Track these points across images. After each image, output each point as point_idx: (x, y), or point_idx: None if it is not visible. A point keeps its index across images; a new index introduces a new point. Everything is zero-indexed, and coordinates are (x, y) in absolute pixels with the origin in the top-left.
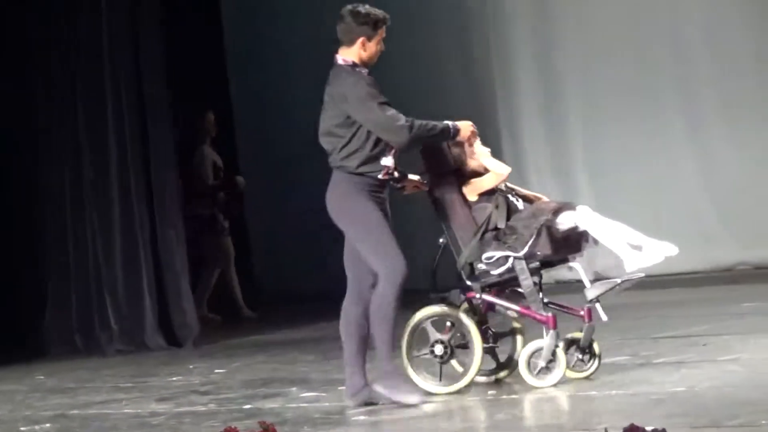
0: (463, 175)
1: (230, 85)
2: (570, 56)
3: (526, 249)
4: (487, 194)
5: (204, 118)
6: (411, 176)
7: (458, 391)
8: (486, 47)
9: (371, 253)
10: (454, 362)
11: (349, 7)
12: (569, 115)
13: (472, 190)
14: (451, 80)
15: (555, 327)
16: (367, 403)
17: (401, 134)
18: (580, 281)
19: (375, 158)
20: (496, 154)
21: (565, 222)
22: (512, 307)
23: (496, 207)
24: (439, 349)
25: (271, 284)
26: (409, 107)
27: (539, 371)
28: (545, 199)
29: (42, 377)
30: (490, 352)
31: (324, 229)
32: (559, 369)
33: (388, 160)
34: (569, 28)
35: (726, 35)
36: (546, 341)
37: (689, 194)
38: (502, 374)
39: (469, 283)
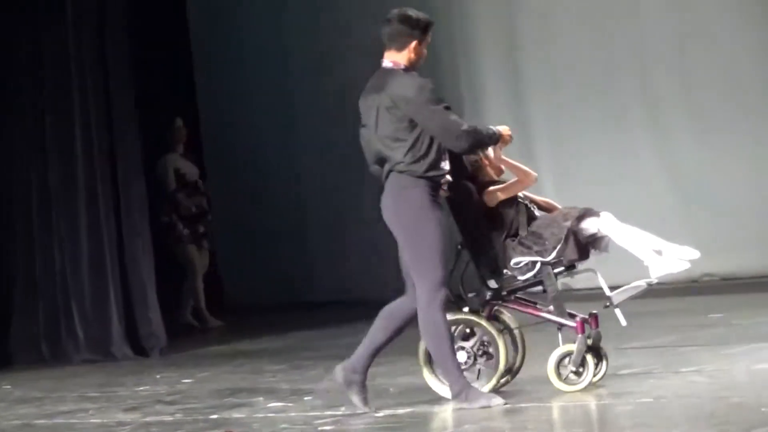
0: (479, 182)
1: (197, 94)
2: (535, 59)
3: (553, 254)
4: (508, 201)
5: (171, 126)
6: None
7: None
8: (452, 49)
9: (415, 266)
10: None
11: (398, 11)
12: (535, 119)
13: (493, 197)
14: None
15: (583, 332)
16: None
17: (464, 139)
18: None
19: (438, 162)
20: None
21: (589, 228)
22: (540, 314)
23: (518, 213)
24: (462, 356)
25: (238, 294)
26: None
27: (568, 376)
28: (557, 205)
29: (8, 387)
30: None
31: (290, 239)
32: (588, 373)
33: (447, 165)
34: (535, 30)
35: (692, 40)
36: (576, 346)
37: (654, 203)
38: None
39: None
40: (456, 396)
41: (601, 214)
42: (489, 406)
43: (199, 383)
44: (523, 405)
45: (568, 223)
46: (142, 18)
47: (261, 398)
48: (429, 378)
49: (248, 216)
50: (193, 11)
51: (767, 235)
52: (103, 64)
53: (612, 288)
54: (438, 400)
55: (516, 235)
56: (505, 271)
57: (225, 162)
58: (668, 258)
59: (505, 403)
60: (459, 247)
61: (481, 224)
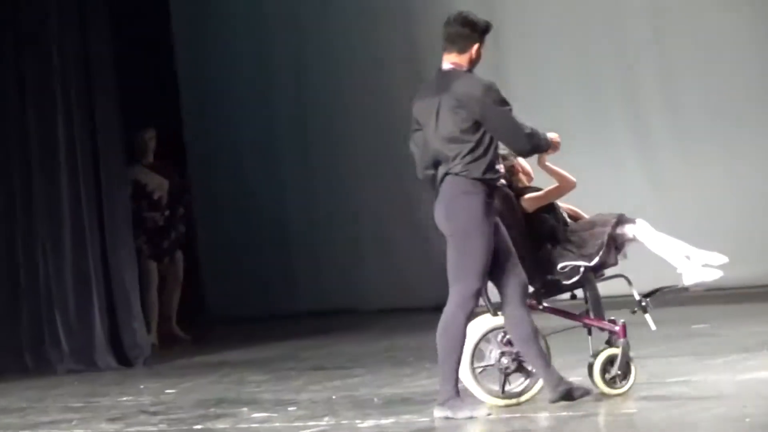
0: (513, 188)
1: (181, 104)
2: (517, 74)
3: (597, 259)
4: (545, 207)
5: (137, 136)
6: None
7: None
8: (435, 48)
9: (455, 270)
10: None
11: (459, 13)
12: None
13: (533, 202)
14: (399, 102)
15: (626, 336)
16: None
17: (528, 142)
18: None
19: (494, 164)
20: None
21: (626, 233)
22: (580, 320)
23: (556, 219)
24: (505, 361)
25: (222, 304)
26: (355, 120)
27: (613, 379)
28: (581, 213)
29: None
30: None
31: (273, 250)
32: (633, 376)
33: (501, 167)
34: (518, 48)
35: (675, 52)
36: (620, 350)
37: (636, 214)
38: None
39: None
40: (443, 403)
41: (636, 220)
42: (473, 417)
43: (183, 393)
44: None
45: (608, 229)
46: (125, 27)
47: (245, 409)
48: (473, 386)
49: (231, 226)
50: (177, 21)
51: (750, 247)
52: (87, 74)
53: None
54: (422, 410)
55: (555, 240)
56: (548, 276)
57: (208, 173)
58: (701, 266)
59: (489, 414)
60: None
61: (523, 230)
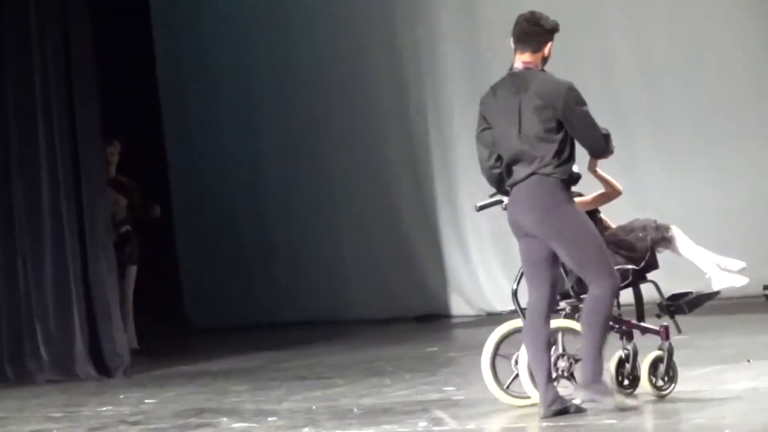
0: None
1: (162, 115)
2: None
3: (644, 263)
4: (589, 212)
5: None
6: None
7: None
8: (417, 58)
9: (589, 262)
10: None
11: (530, 14)
12: None
13: (582, 207)
14: (383, 111)
15: (668, 338)
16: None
17: (604, 145)
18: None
19: (573, 165)
20: (431, 187)
21: (666, 238)
22: (631, 323)
23: (599, 224)
24: (563, 364)
25: (203, 314)
26: (339, 130)
27: (660, 381)
28: (609, 222)
29: None
30: None
31: (255, 260)
32: (677, 378)
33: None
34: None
35: (657, 67)
36: (665, 353)
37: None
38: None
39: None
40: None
41: (671, 226)
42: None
43: (163, 403)
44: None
45: (651, 233)
46: (107, 37)
47: (225, 419)
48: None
49: (213, 236)
50: (158, 32)
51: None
52: (68, 84)
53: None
54: (403, 420)
55: None
56: None
57: (189, 182)
58: (728, 272)
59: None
60: None
61: None
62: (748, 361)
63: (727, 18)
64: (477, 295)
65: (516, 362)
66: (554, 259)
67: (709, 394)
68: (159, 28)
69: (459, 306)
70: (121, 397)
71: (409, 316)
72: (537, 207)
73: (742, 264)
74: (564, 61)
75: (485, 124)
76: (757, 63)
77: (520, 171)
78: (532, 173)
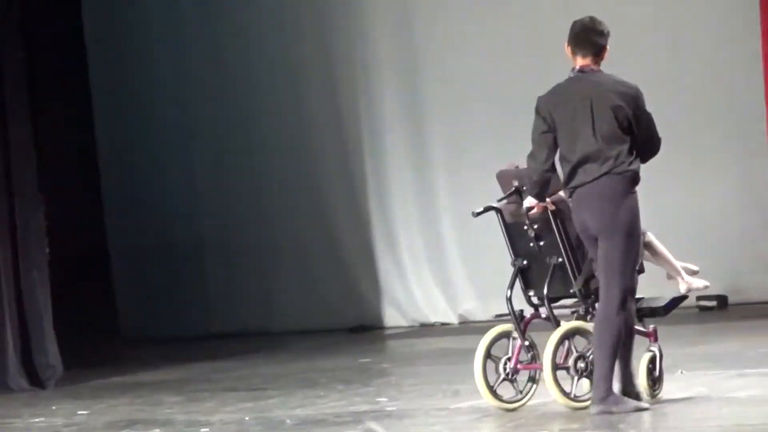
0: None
1: (95, 129)
2: (436, 106)
3: (638, 266)
4: None
5: None
6: None
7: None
8: (352, 68)
9: (620, 269)
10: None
11: (592, 19)
12: (436, 165)
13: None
14: (319, 132)
15: (657, 339)
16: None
17: (658, 147)
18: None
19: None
20: (364, 199)
21: (646, 241)
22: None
23: None
24: (581, 365)
25: (136, 325)
26: (273, 142)
27: (653, 383)
28: None
29: None
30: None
31: (189, 271)
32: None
33: None
34: (436, 79)
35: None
36: (657, 353)
37: None
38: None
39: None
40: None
41: (647, 232)
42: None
43: (96, 415)
44: None
45: (643, 238)
46: (39, 53)
47: (157, 430)
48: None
49: (146, 247)
50: (90, 38)
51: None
52: (1, 100)
53: None
54: (336, 431)
55: None
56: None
57: (124, 195)
58: (692, 276)
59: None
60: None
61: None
62: (681, 372)
63: (699, 30)
64: (410, 307)
65: (504, 366)
66: None
67: (679, 399)
68: (91, 40)
69: (392, 317)
70: (54, 408)
71: (343, 327)
72: (610, 205)
73: (696, 267)
74: (494, 73)
75: (546, 126)
76: (726, 76)
77: (590, 171)
78: (606, 172)
